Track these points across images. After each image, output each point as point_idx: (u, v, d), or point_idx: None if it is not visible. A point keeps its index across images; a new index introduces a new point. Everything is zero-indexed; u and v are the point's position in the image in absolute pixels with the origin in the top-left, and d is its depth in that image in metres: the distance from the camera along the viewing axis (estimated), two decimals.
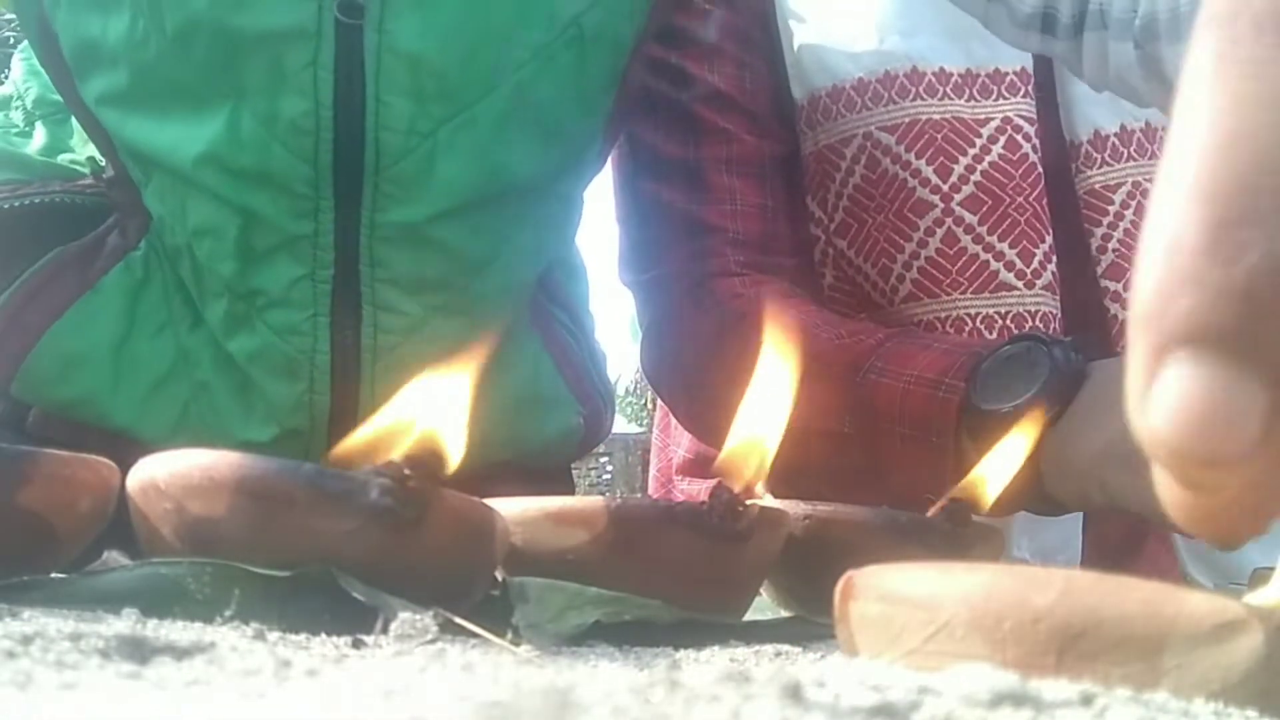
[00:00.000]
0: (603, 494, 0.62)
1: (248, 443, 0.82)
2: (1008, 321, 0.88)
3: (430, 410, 0.45)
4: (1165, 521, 0.67)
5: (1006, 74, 0.91)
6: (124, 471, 0.47)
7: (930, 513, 0.58)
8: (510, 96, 0.81)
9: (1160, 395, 0.22)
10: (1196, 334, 0.21)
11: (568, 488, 1.04)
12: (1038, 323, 0.88)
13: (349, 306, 0.82)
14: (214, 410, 0.84)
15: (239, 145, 0.78)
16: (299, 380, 0.82)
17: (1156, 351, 0.22)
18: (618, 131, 0.94)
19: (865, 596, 0.32)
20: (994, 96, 0.91)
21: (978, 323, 0.89)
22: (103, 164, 0.85)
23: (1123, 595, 0.28)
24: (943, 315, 0.89)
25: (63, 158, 0.90)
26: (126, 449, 0.83)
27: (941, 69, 0.91)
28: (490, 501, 0.48)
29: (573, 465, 1.07)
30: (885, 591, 0.32)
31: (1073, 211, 0.92)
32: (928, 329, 0.89)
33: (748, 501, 0.50)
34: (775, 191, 0.96)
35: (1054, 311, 0.89)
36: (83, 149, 0.87)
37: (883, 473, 0.76)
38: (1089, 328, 0.91)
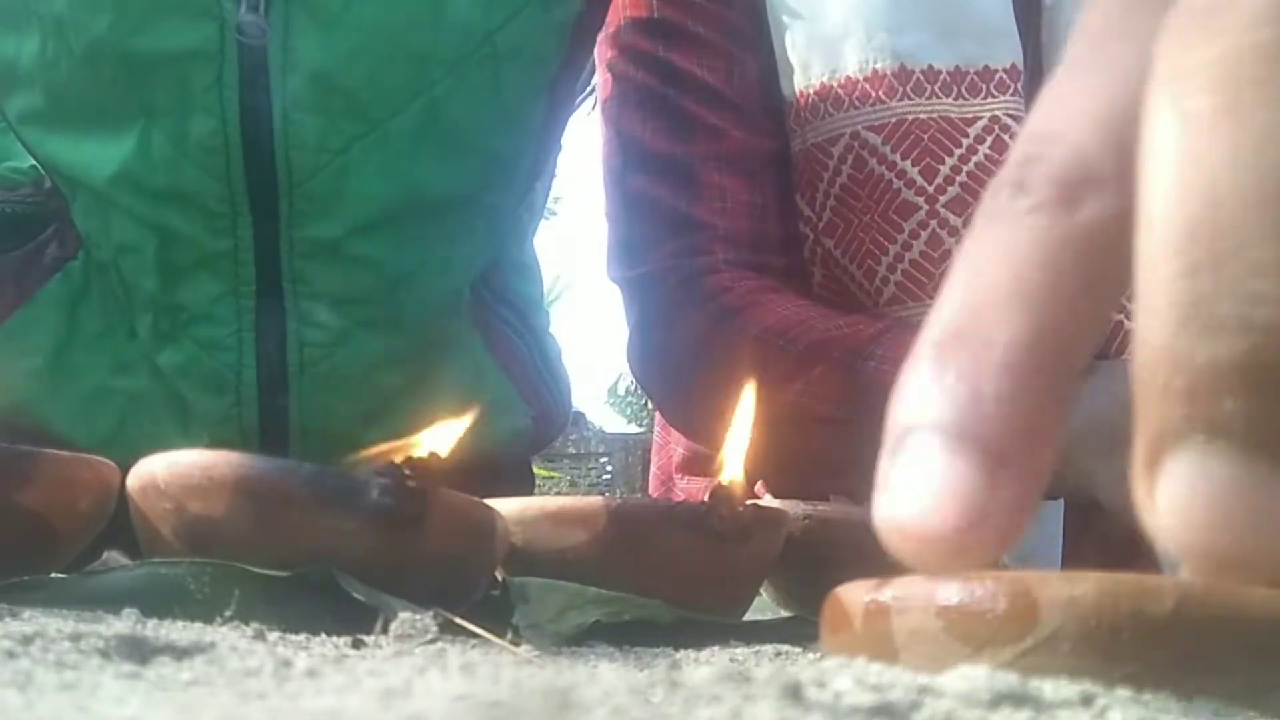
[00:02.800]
0: (603, 494, 0.62)
1: None
2: None
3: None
4: (1128, 517, 0.67)
5: (996, 71, 0.91)
6: (123, 471, 0.47)
7: None
8: (423, 113, 0.81)
9: (1166, 495, 0.21)
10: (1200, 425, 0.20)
11: (527, 483, 1.03)
12: None
13: (274, 321, 0.82)
14: (151, 419, 0.84)
15: (151, 164, 0.78)
16: (225, 394, 0.83)
17: (1156, 440, 0.21)
18: (554, 141, 0.94)
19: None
20: (983, 95, 0.90)
21: None
22: (42, 173, 0.85)
23: (1243, 600, 0.27)
24: (927, 319, 0.89)
25: (4, 166, 0.90)
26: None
27: (930, 67, 0.91)
28: (490, 501, 0.48)
29: (572, 466, 1.07)
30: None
31: None
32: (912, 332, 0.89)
33: (748, 501, 0.50)
34: (766, 189, 0.96)
35: None
36: (24, 157, 0.87)
37: (876, 460, 0.76)
38: None
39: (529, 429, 0.94)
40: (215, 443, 0.82)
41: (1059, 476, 0.70)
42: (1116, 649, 0.27)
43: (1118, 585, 0.28)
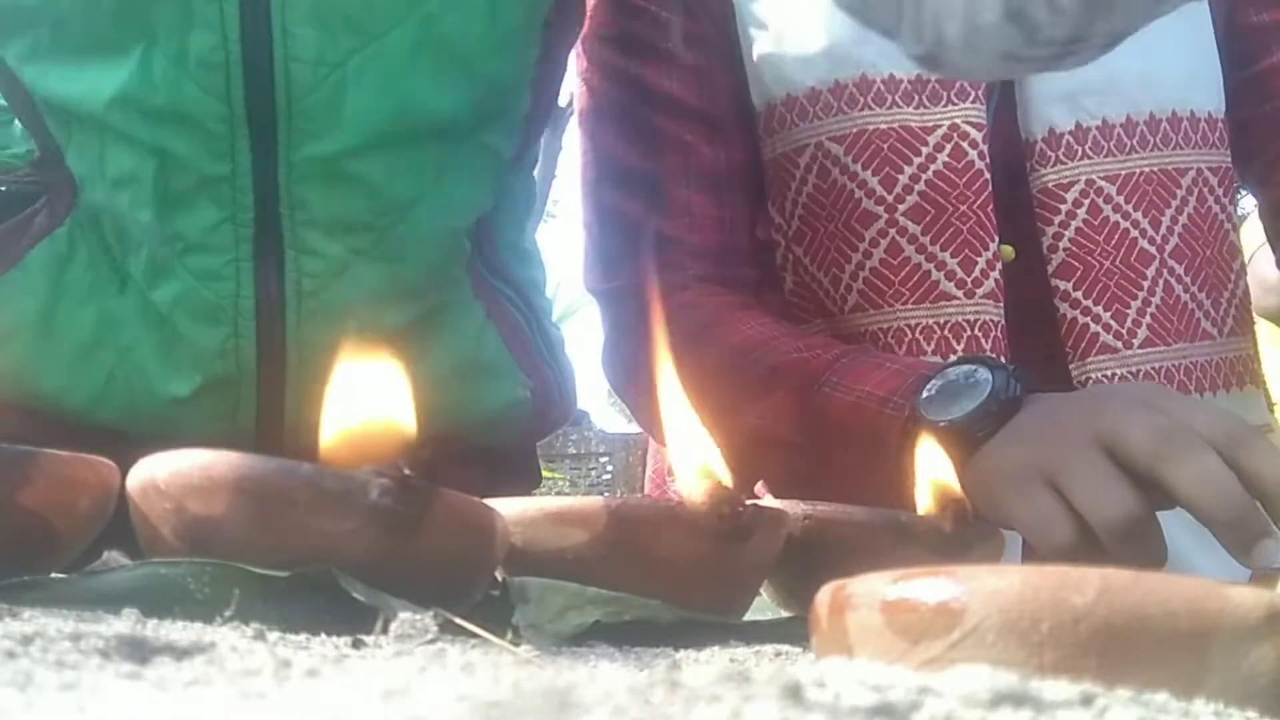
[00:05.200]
0: (603, 494, 0.63)
1: (173, 399, 0.84)
2: (946, 332, 0.89)
3: (371, 397, 0.45)
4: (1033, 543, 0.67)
5: (956, 79, 0.91)
6: (123, 471, 0.47)
7: (928, 513, 0.58)
8: (419, 28, 0.83)
9: None
10: None
11: (530, 470, 1.04)
12: (976, 332, 0.89)
13: (271, 250, 0.83)
14: (139, 371, 0.85)
15: (151, 85, 0.80)
16: (222, 325, 0.83)
17: None
18: (551, 88, 0.96)
19: (866, 606, 0.31)
20: (943, 102, 0.91)
21: (917, 333, 0.89)
22: (36, 152, 0.87)
23: (1165, 592, 0.27)
24: (885, 326, 0.90)
25: (3, 154, 0.92)
26: (56, 419, 0.83)
27: (891, 76, 0.91)
28: (490, 501, 0.48)
29: (572, 466, 1.08)
30: (895, 599, 0.30)
31: (1026, 210, 0.92)
32: (872, 340, 0.91)
33: (748, 501, 0.50)
34: (734, 203, 0.97)
35: (995, 319, 0.89)
36: (23, 144, 0.88)
37: (831, 483, 0.77)
38: (1038, 327, 0.92)
39: (527, 401, 0.95)
40: (210, 378, 0.84)
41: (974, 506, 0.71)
42: (1038, 638, 0.27)
43: (1042, 576, 0.29)
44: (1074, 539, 0.66)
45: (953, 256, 0.89)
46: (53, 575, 0.45)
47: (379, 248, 0.85)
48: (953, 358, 0.84)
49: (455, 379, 0.90)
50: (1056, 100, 0.92)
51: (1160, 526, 0.66)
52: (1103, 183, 0.91)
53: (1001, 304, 0.90)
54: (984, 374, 0.74)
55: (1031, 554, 0.86)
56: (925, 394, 0.74)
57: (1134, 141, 0.92)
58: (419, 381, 0.45)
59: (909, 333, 0.90)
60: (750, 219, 0.98)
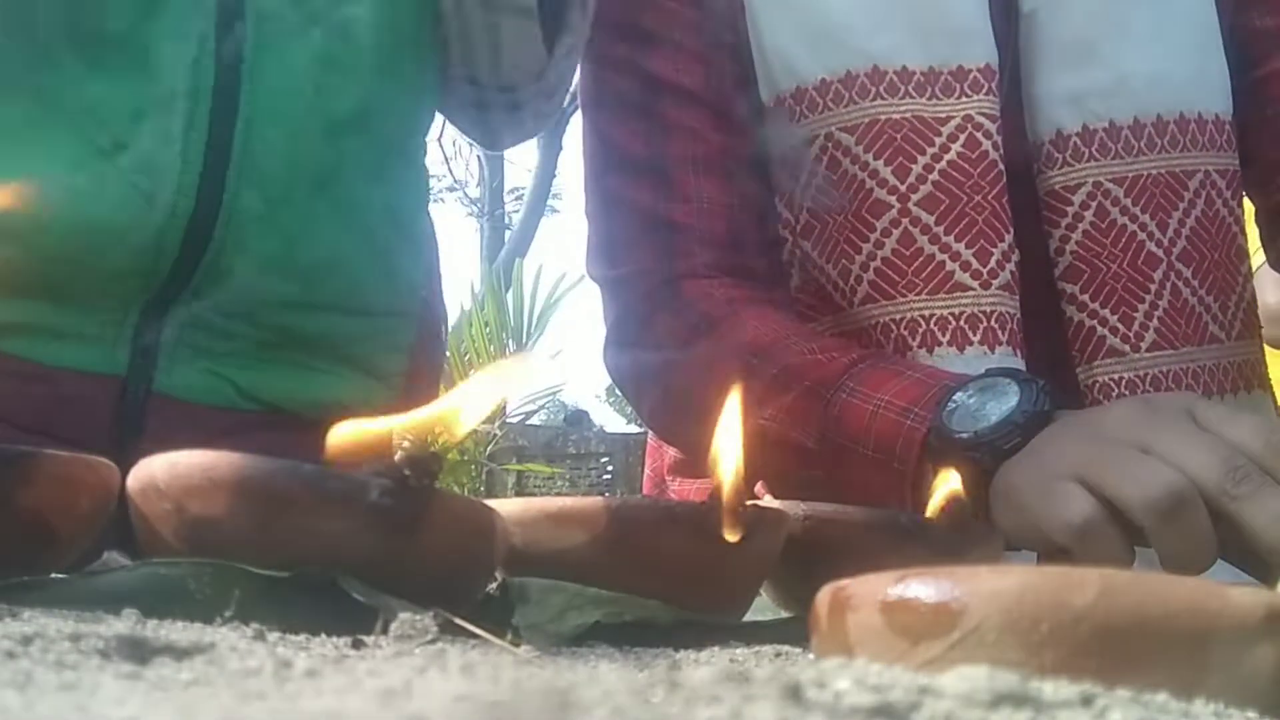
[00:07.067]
0: (603, 494, 0.62)
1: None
2: (961, 323, 0.88)
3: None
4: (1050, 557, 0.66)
5: (970, 71, 0.91)
6: (124, 471, 0.47)
7: (929, 514, 0.58)
8: None
9: None
10: None
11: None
12: (993, 323, 0.88)
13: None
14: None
15: None
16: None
17: None
18: None
19: (866, 606, 0.31)
20: (956, 94, 0.90)
21: (931, 324, 0.88)
22: None
23: (1165, 592, 0.27)
24: (897, 317, 0.89)
25: None
26: None
27: (904, 67, 0.91)
28: (490, 501, 0.48)
29: (573, 466, 1.07)
30: (895, 599, 0.30)
31: (1032, 212, 0.92)
32: (883, 332, 0.89)
33: (748, 501, 0.50)
34: (743, 191, 0.96)
35: (1011, 312, 0.89)
36: None
37: (842, 490, 0.76)
38: (1045, 330, 0.91)
39: (421, 311, 0.97)
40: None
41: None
42: (1037, 638, 0.27)
43: (1043, 577, 0.28)
44: (1093, 514, 0.63)
45: (967, 247, 0.88)
46: (53, 575, 0.45)
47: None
48: (980, 370, 0.82)
49: (370, 238, 0.91)
50: (1063, 102, 0.92)
51: (1208, 515, 0.61)
52: (1110, 185, 0.91)
53: (1017, 296, 0.89)
54: (1012, 386, 0.72)
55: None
56: (949, 406, 0.73)
57: (1141, 144, 0.91)
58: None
59: (923, 324, 0.88)
60: (758, 211, 0.98)
